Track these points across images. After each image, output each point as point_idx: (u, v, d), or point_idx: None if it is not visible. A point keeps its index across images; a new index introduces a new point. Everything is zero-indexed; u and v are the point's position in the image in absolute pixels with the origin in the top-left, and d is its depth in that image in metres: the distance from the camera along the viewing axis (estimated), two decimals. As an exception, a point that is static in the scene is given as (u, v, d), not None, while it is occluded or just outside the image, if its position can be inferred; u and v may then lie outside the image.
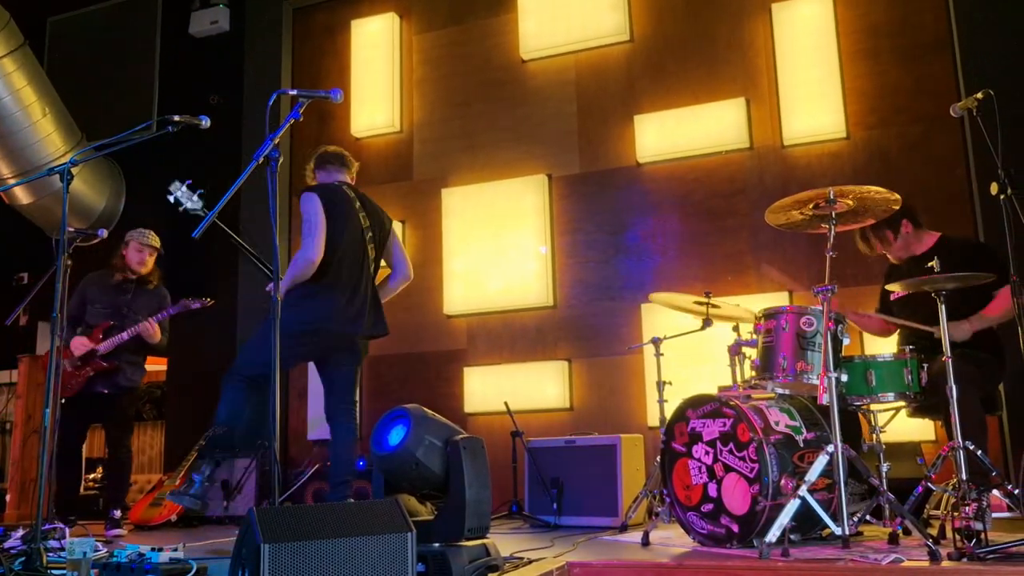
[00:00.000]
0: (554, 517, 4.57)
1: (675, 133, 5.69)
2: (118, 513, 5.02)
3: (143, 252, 5.16)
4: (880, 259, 4.07)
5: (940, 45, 5.26)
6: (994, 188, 3.10)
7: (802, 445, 3.31)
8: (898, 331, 3.99)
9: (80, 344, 4.93)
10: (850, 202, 3.30)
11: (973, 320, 3.55)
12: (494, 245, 6.02)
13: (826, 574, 2.75)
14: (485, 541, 2.87)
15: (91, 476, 7.62)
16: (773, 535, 2.94)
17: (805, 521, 3.21)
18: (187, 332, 6.91)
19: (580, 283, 5.86)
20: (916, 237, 3.85)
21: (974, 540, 2.71)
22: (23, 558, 3.03)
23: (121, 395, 5.08)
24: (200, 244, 3.49)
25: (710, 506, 3.33)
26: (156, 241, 5.23)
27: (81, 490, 5.68)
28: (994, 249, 3.57)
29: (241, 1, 7.08)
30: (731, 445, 3.29)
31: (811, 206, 3.33)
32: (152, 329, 5.00)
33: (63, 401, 4.96)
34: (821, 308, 3.23)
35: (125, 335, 4.95)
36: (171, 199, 3.82)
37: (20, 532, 3.70)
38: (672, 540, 3.60)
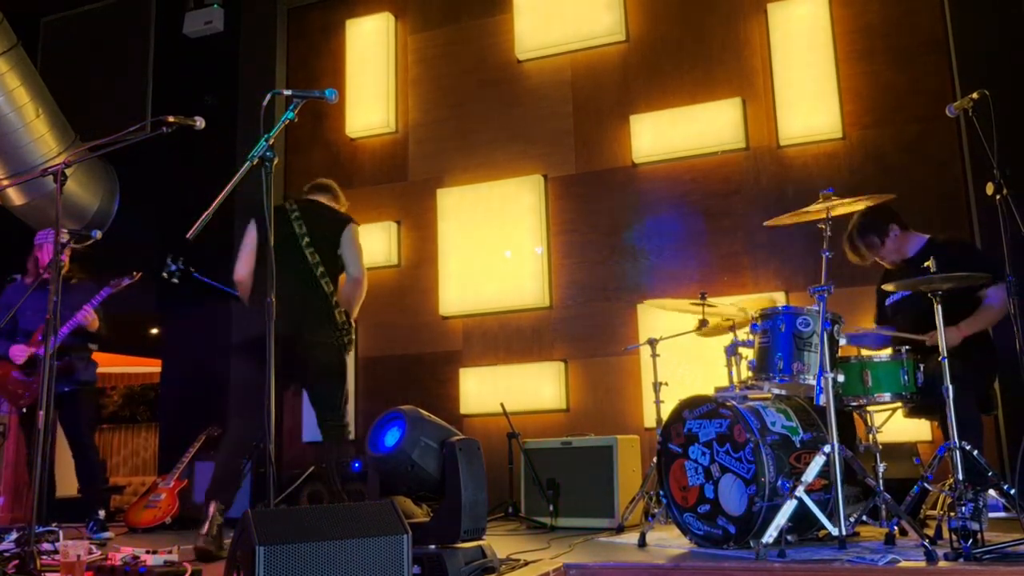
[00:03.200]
0: (550, 519, 4.56)
1: (671, 133, 5.68)
2: (103, 513, 4.99)
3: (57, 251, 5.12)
4: (874, 266, 4.07)
5: (935, 45, 5.27)
6: (989, 188, 3.10)
7: (799, 446, 3.31)
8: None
9: (19, 351, 4.89)
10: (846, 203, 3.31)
11: (963, 327, 3.54)
12: (490, 246, 6.01)
13: (823, 575, 2.75)
14: (481, 543, 2.86)
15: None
16: (770, 536, 2.94)
17: (802, 522, 3.20)
18: (182, 334, 6.90)
19: (576, 284, 5.85)
20: (905, 239, 3.85)
21: (971, 540, 2.71)
22: (17, 561, 3.01)
23: (81, 391, 5.08)
24: (195, 247, 3.51)
25: (707, 507, 3.33)
26: (66, 235, 5.18)
27: (59, 494, 5.65)
28: (980, 249, 3.58)
29: (235, 1, 7.05)
30: (728, 446, 3.28)
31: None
32: (90, 316, 4.96)
33: (24, 411, 4.96)
34: (817, 308, 3.23)
35: (64, 329, 4.89)
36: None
37: (14, 535, 3.68)
38: (669, 541, 3.59)
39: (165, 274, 4.25)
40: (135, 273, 5.06)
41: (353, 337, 4.25)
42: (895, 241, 3.83)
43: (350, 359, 6.20)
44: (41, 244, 5.14)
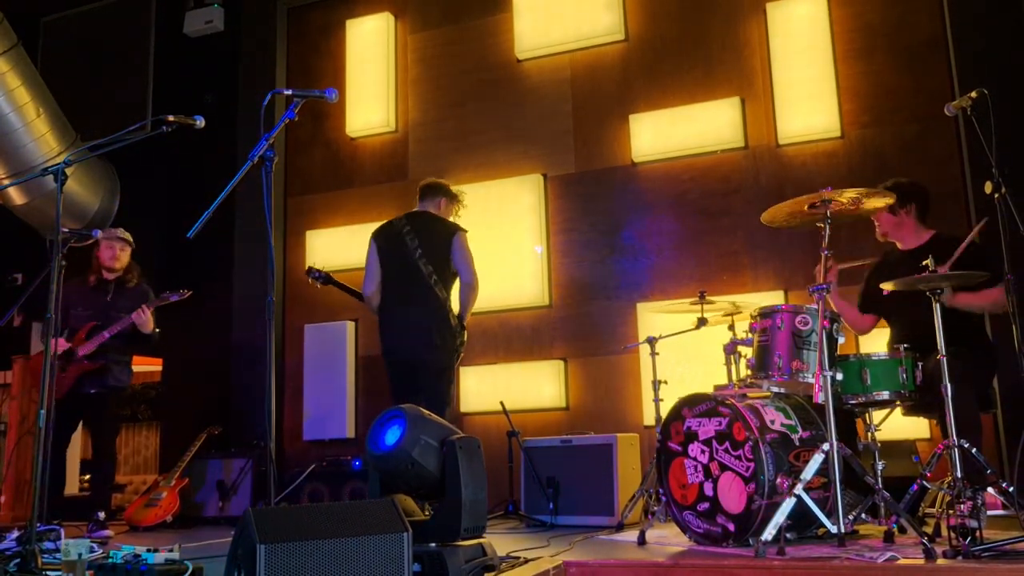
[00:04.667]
0: (550, 517, 4.57)
1: (670, 133, 5.69)
2: (102, 515, 5.00)
3: (114, 247, 5.15)
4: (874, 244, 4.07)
5: (934, 44, 5.27)
6: (988, 187, 3.10)
7: (798, 444, 3.32)
8: (891, 330, 3.99)
9: (58, 344, 4.92)
10: (844, 201, 3.31)
11: (961, 297, 3.50)
12: (489, 245, 6.01)
13: (822, 572, 2.75)
14: (481, 541, 2.86)
15: (86, 478, 7.61)
16: (769, 534, 2.95)
17: (801, 520, 3.21)
18: (182, 333, 6.91)
19: (576, 282, 5.86)
20: (912, 228, 3.85)
21: (969, 538, 2.71)
22: (18, 559, 3.02)
23: (109, 395, 5.08)
24: (195, 245, 3.53)
25: (706, 505, 3.34)
26: (126, 234, 5.22)
27: (65, 492, 5.67)
28: (984, 247, 3.59)
29: (236, 0, 7.06)
30: (727, 444, 3.29)
31: (807, 207, 3.34)
32: (145, 316, 4.99)
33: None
34: (816, 307, 3.24)
35: (106, 333, 4.93)
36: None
37: (15, 533, 3.69)
38: (668, 539, 3.60)
39: (310, 279, 4.83)
40: (183, 291, 5.09)
41: (465, 340, 4.55)
42: (903, 219, 3.83)
43: (353, 356, 6.30)
44: (99, 242, 5.15)
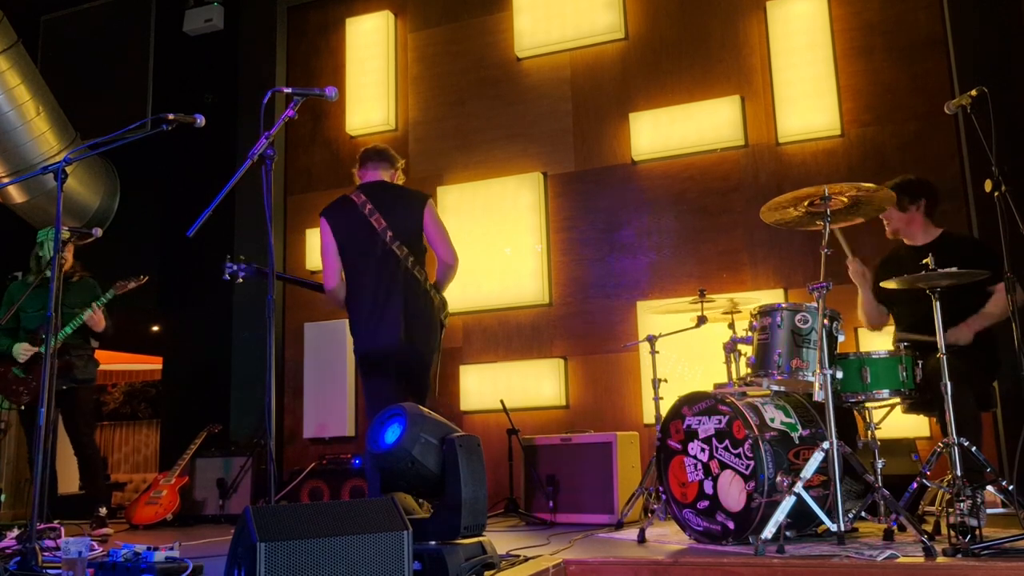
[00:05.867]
0: (550, 515, 4.58)
1: (670, 131, 5.69)
2: (103, 510, 5.01)
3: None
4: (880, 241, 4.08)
5: (934, 43, 5.27)
6: (988, 185, 3.11)
7: (797, 442, 3.32)
8: (893, 328, 4.00)
9: (25, 350, 4.97)
10: (845, 199, 3.32)
11: (972, 322, 3.55)
12: (489, 243, 6.02)
13: (822, 570, 2.75)
14: (481, 539, 2.86)
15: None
16: (769, 532, 2.96)
17: (801, 518, 3.22)
18: (182, 332, 6.92)
19: (575, 281, 5.86)
20: (921, 225, 3.85)
21: (969, 536, 2.72)
22: (18, 558, 3.02)
23: (79, 389, 5.11)
24: (195, 244, 3.52)
25: (706, 503, 3.34)
26: (66, 234, 5.19)
27: (66, 491, 5.68)
28: (991, 246, 3.59)
29: (235, -1, 7.07)
30: (727, 442, 3.29)
31: (806, 203, 3.34)
32: (97, 317, 5.02)
33: (22, 408, 5.02)
34: (816, 305, 3.24)
35: (68, 329, 4.95)
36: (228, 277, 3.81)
37: (15, 532, 3.70)
38: (668, 537, 3.60)
39: (228, 276, 3.78)
40: (141, 276, 5.09)
41: (448, 312, 4.07)
42: (913, 216, 3.85)
43: (353, 354, 6.29)
44: (41, 242, 5.16)
